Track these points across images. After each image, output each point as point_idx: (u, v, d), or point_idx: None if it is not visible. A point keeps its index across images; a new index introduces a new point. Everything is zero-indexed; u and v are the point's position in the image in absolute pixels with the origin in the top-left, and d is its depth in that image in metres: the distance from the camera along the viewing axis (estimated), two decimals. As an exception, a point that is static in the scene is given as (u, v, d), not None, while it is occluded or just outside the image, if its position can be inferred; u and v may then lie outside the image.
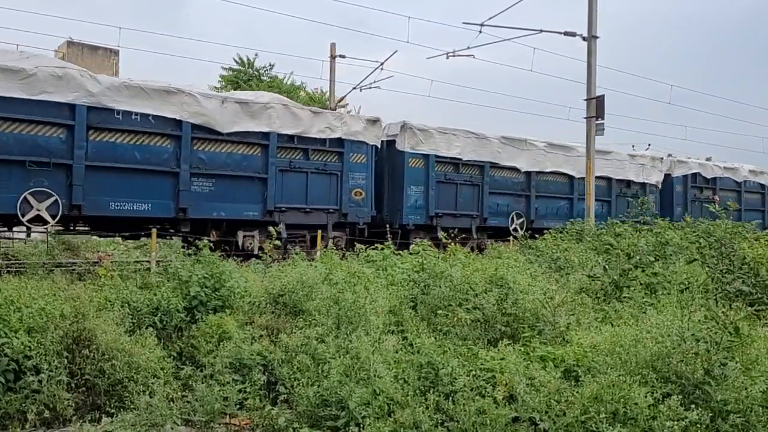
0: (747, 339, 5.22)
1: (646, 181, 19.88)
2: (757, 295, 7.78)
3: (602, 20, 17.72)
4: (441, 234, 11.26)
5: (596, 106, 16.82)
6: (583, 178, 17.41)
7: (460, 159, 15.67)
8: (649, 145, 24.37)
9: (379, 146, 14.62)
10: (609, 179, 19.00)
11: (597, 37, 17.00)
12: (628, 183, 19.51)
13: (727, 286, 7.87)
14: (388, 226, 12.84)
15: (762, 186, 22.93)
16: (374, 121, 14.26)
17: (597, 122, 16.86)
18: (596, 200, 17.20)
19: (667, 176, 20.75)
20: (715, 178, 21.59)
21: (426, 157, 15.07)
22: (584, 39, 17.11)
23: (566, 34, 17.35)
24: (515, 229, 16.38)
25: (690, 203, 20.82)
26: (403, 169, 14.73)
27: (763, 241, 10.57)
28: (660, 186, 20.39)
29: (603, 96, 17.00)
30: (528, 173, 17.15)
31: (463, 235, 14.40)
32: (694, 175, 21.26)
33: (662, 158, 20.49)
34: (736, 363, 4.63)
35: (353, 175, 13.77)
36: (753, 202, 22.58)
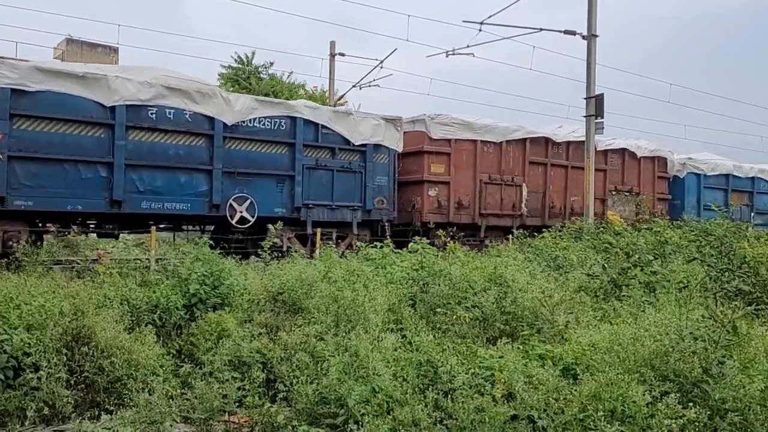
0: (745, 337, 5.22)
1: None
2: (757, 294, 7.78)
3: (602, 19, 17.74)
4: None
5: (596, 105, 16.83)
6: None
7: None
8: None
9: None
10: None
11: (597, 36, 17.00)
12: None
13: (727, 285, 7.88)
14: None
15: (286, 122, 12.63)
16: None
17: (596, 121, 16.88)
18: None
19: None
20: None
21: None
22: (584, 38, 17.12)
23: (566, 32, 17.35)
24: None
25: None
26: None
27: (763, 240, 10.57)
28: None
29: (602, 94, 17.01)
30: None
31: None
32: None
33: None
34: (734, 361, 4.63)
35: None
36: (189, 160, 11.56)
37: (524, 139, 16.84)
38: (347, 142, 13.59)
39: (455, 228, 14.92)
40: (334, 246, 10.99)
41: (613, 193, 19.05)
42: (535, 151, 17.19)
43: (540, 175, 17.30)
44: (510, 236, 14.82)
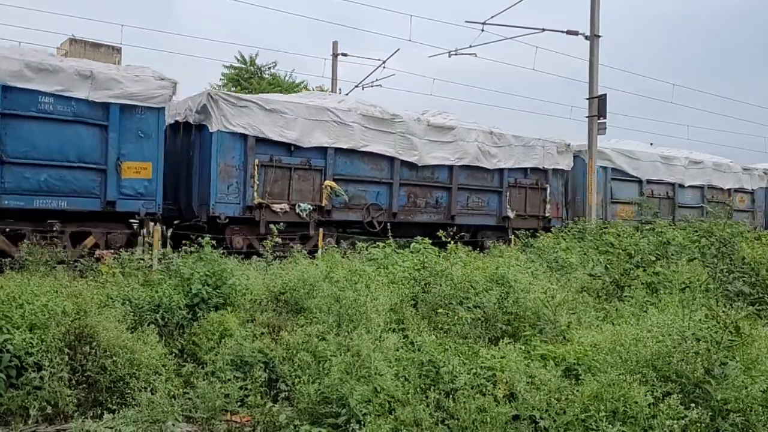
0: (748, 338, 5.22)
1: None
2: (758, 295, 7.78)
3: (606, 19, 17.72)
4: None
5: (598, 105, 16.83)
6: None
7: None
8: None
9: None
10: None
11: (599, 36, 17.01)
12: None
13: (728, 285, 7.87)
14: None
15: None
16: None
17: (599, 121, 16.88)
18: None
19: None
20: None
21: None
22: (586, 38, 17.12)
23: (569, 33, 17.35)
24: None
25: None
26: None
27: (763, 241, 10.57)
28: None
29: (605, 95, 17.01)
30: None
31: None
32: None
33: None
34: (737, 362, 4.63)
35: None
36: None
37: None
38: None
39: None
40: None
41: None
42: None
43: None
44: None
